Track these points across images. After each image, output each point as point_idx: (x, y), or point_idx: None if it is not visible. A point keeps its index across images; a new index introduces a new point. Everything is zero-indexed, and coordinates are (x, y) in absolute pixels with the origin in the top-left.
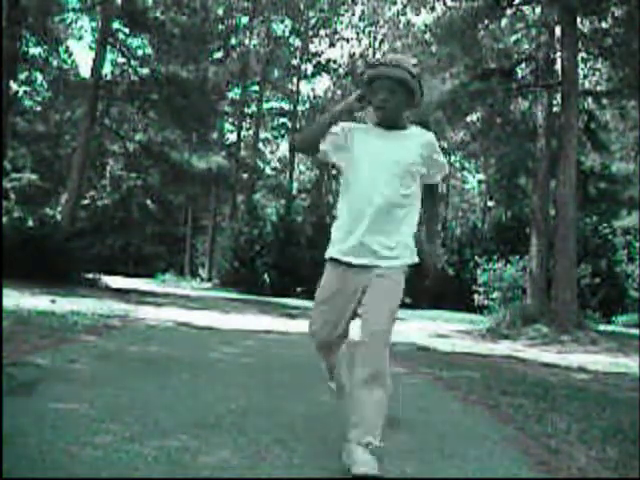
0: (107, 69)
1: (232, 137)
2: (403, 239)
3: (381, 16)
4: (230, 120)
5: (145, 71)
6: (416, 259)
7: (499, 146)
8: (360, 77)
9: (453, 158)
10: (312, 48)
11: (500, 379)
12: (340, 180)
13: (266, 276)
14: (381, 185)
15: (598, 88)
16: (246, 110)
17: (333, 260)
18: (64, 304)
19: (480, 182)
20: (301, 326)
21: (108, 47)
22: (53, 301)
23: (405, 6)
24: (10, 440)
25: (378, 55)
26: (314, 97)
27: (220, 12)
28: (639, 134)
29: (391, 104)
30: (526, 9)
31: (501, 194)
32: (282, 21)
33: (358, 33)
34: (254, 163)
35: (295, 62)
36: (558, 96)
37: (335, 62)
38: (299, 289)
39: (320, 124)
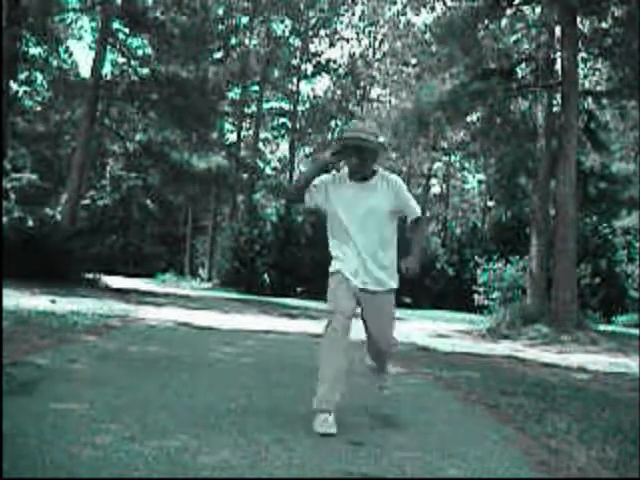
0: (107, 69)
1: (232, 137)
2: (388, 265)
3: (381, 16)
4: (230, 120)
5: (145, 71)
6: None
7: (499, 146)
8: (337, 141)
9: (453, 158)
10: (312, 48)
11: (500, 379)
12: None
13: (266, 276)
14: (358, 232)
15: (598, 88)
16: (246, 110)
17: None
18: (64, 304)
19: (480, 182)
20: (301, 326)
21: (108, 47)
22: (53, 301)
23: (405, 6)
24: (10, 440)
25: (378, 55)
26: (314, 97)
27: (220, 12)
28: (639, 134)
29: (360, 168)
30: (526, 9)
31: (501, 194)
32: (282, 21)
33: (358, 33)
34: (254, 163)
35: (295, 62)
36: (558, 96)
37: (335, 62)
38: (299, 289)
39: (302, 179)
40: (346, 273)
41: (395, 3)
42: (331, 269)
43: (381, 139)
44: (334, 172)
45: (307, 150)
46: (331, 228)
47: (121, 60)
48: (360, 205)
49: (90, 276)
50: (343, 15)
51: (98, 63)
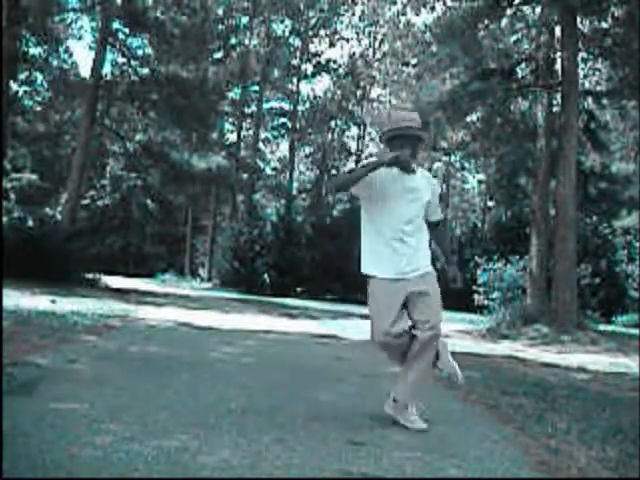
0: (107, 69)
1: (232, 137)
2: (427, 252)
3: (381, 16)
4: (230, 120)
5: (145, 71)
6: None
7: (499, 146)
8: (383, 132)
9: (453, 158)
10: (312, 48)
11: (500, 379)
12: (364, 211)
13: (266, 276)
14: (401, 220)
15: (598, 88)
16: (246, 110)
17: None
18: (64, 304)
19: (480, 182)
20: (301, 326)
21: (108, 47)
22: (53, 301)
23: (405, 6)
24: (10, 440)
25: (378, 55)
26: (314, 97)
27: (220, 12)
28: (639, 134)
29: (413, 157)
30: (526, 9)
31: (501, 194)
32: (282, 21)
33: (358, 33)
34: (254, 163)
35: (295, 62)
36: (558, 96)
37: (335, 62)
38: (299, 289)
39: (355, 177)
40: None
41: (395, 3)
42: (372, 271)
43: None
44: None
45: (307, 150)
46: (372, 219)
47: (121, 60)
48: (407, 197)
49: (90, 276)
50: (343, 15)
51: (98, 63)
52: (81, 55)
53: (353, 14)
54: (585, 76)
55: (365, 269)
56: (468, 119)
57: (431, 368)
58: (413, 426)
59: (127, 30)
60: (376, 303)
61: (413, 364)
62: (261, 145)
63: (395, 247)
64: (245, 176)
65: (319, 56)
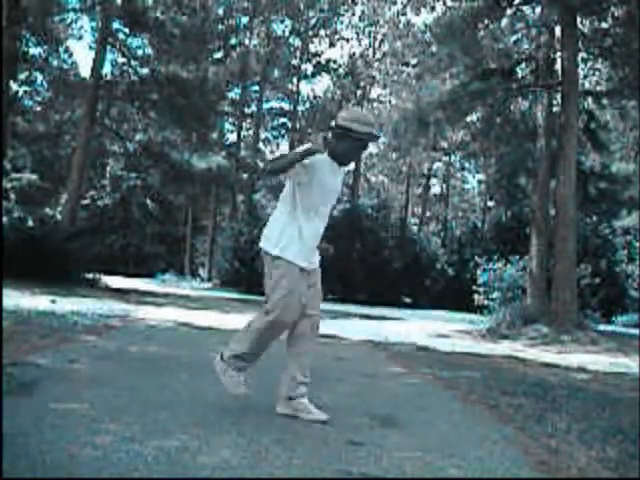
0: (107, 69)
1: (232, 137)
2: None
3: (381, 16)
4: (230, 120)
5: (145, 71)
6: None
7: (499, 146)
8: (335, 126)
9: (453, 158)
10: (312, 48)
11: (500, 379)
12: (290, 193)
13: None
14: (319, 213)
15: (598, 88)
16: (246, 110)
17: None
18: (64, 304)
19: (480, 182)
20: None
21: (108, 47)
22: (53, 301)
23: (405, 6)
24: (10, 440)
25: (378, 55)
26: (314, 97)
27: (220, 12)
28: (639, 134)
29: (357, 160)
30: (526, 9)
31: (501, 194)
32: (282, 21)
33: (358, 33)
34: (254, 163)
35: (295, 62)
36: (558, 96)
37: (335, 62)
38: None
39: (288, 162)
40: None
41: (395, 3)
42: (279, 252)
43: None
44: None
45: None
46: (294, 200)
47: (121, 60)
48: (333, 190)
49: (90, 276)
50: (343, 15)
51: (98, 63)
52: (81, 55)
53: (353, 14)
54: (585, 76)
55: (277, 251)
56: (468, 119)
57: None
58: (314, 417)
59: (127, 30)
60: (289, 284)
61: (305, 347)
62: (261, 145)
63: (306, 236)
64: (245, 176)
65: (319, 56)
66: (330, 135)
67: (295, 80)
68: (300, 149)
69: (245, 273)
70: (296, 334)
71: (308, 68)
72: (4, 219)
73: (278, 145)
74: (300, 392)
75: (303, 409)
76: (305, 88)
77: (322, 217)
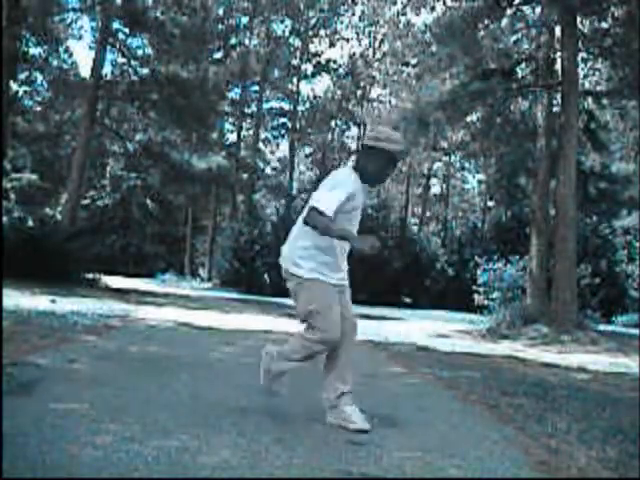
0: (107, 69)
1: (232, 137)
2: None
3: (381, 16)
4: (230, 120)
5: (145, 71)
6: None
7: (499, 146)
8: (366, 147)
9: (453, 158)
10: (312, 48)
11: (500, 379)
12: None
13: (266, 276)
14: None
15: (598, 88)
16: (246, 110)
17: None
18: (64, 304)
19: (480, 182)
20: (301, 326)
21: (108, 47)
22: (53, 301)
23: (405, 6)
24: (10, 440)
25: (378, 55)
26: (314, 97)
27: (220, 12)
28: (639, 134)
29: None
30: (526, 9)
31: (501, 194)
32: (282, 21)
33: (358, 33)
34: (254, 163)
35: (295, 62)
36: (558, 96)
37: (335, 62)
38: None
39: (333, 234)
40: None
41: (395, 3)
42: (311, 274)
43: None
44: (350, 171)
45: (307, 150)
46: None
47: (121, 60)
48: (360, 208)
49: (90, 276)
50: (343, 15)
51: (98, 63)
52: (81, 55)
53: (353, 14)
54: (585, 76)
55: (309, 274)
56: (468, 119)
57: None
58: (357, 427)
59: (127, 30)
60: (325, 300)
61: (344, 353)
62: (261, 145)
63: (338, 254)
64: (245, 176)
65: (319, 56)
66: (359, 155)
67: (295, 80)
68: (355, 240)
69: (245, 273)
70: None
71: (308, 68)
72: (4, 219)
73: (278, 145)
74: (343, 401)
75: (345, 418)
76: (305, 88)
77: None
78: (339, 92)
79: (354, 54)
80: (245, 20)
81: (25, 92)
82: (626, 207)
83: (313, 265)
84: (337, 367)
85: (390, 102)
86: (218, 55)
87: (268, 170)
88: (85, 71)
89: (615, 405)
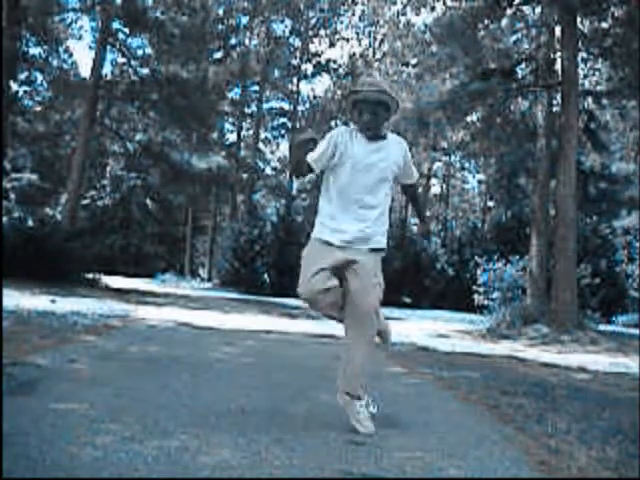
0: (107, 69)
1: (232, 137)
2: (382, 226)
3: (381, 16)
4: (230, 120)
5: (145, 71)
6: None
7: (499, 146)
8: (345, 99)
9: (453, 158)
10: (312, 48)
11: (500, 379)
12: (324, 177)
13: (266, 276)
14: (360, 189)
15: (598, 88)
16: (246, 110)
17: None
18: (64, 304)
19: (480, 182)
20: (301, 326)
21: (108, 47)
22: (53, 301)
23: (405, 6)
24: (10, 440)
25: (378, 55)
26: (314, 97)
27: (220, 12)
28: (639, 134)
29: (374, 124)
30: (526, 9)
31: (501, 194)
32: (282, 21)
33: (358, 33)
34: (254, 163)
35: (295, 62)
36: (558, 96)
37: (335, 62)
38: None
39: (296, 160)
40: (331, 238)
41: (395, 3)
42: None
43: (396, 96)
44: (346, 127)
45: None
46: (328, 185)
47: (121, 60)
48: (371, 164)
49: (90, 276)
50: (343, 15)
51: (98, 63)
52: (81, 55)
53: (353, 14)
54: (585, 76)
55: (313, 234)
56: (468, 119)
57: (373, 345)
58: (357, 426)
59: (127, 30)
60: (308, 256)
61: (352, 344)
62: (261, 145)
63: (342, 213)
64: (245, 176)
65: (319, 56)
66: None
67: (295, 80)
68: (294, 145)
69: (245, 273)
70: (345, 327)
71: (308, 68)
72: (4, 219)
73: (278, 145)
74: (356, 393)
75: (352, 412)
76: (305, 88)
77: (372, 197)
78: (339, 92)
79: (354, 54)
80: (245, 20)
81: (25, 92)
82: (626, 207)
83: (318, 224)
84: (347, 371)
85: None
86: (218, 55)
87: (268, 170)
88: (85, 71)
89: (615, 405)
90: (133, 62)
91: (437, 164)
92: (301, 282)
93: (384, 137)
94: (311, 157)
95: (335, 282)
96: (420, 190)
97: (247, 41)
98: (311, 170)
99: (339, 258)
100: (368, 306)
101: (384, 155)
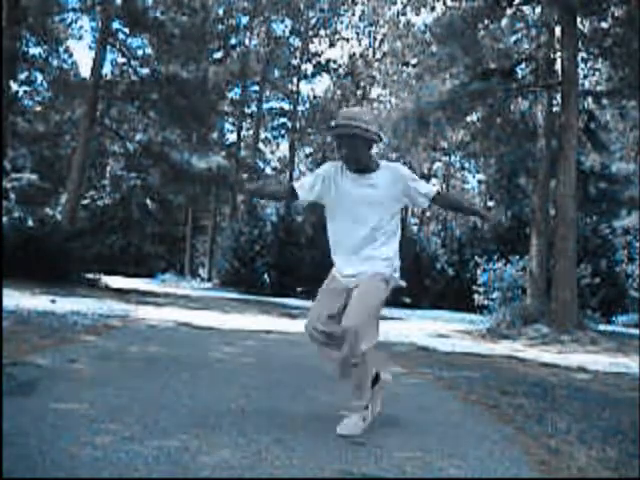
0: (107, 69)
1: (232, 137)
2: (379, 255)
3: (381, 16)
4: (230, 120)
5: (145, 71)
6: (392, 274)
7: (499, 146)
8: (328, 130)
9: (453, 158)
10: (312, 48)
11: (500, 379)
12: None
13: (266, 276)
14: (353, 223)
15: (598, 88)
16: (246, 110)
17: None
18: (64, 304)
19: (480, 182)
20: (301, 326)
21: (108, 47)
22: (53, 301)
23: (405, 6)
24: (10, 440)
25: (378, 55)
26: (314, 97)
27: (220, 12)
28: (639, 134)
29: (353, 158)
30: (526, 9)
31: (501, 194)
32: (282, 21)
33: (358, 33)
34: (254, 163)
35: (295, 62)
36: (558, 96)
37: (335, 62)
38: (299, 289)
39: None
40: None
41: (395, 3)
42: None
43: (373, 127)
44: (334, 163)
45: (307, 150)
46: (330, 218)
47: (121, 60)
48: (357, 198)
49: (90, 276)
50: (343, 15)
51: (98, 63)
52: (81, 55)
53: (353, 14)
54: (585, 76)
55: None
56: (468, 119)
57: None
58: (340, 426)
59: (127, 30)
60: (320, 291)
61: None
62: (261, 145)
63: (349, 255)
64: (245, 176)
65: (319, 56)
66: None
67: (295, 80)
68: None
69: (245, 273)
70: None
71: (308, 68)
72: (4, 219)
73: (278, 145)
74: (352, 405)
75: (345, 417)
76: (305, 88)
77: (369, 230)
78: (339, 92)
79: (354, 54)
80: (245, 20)
81: (25, 92)
82: (626, 207)
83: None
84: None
85: (390, 102)
86: (218, 55)
87: (268, 170)
88: (85, 71)
89: (615, 405)
90: (133, 62)
91: (437, 164)
92: (309, 319)
93: (373, 169)
94: (296, 183)
95: (338, 330)
96: (453, 193)
97: (247, 41)
98: (296, 197)
99: (345, 292)
100: (345, 325)
101: (373, 186)
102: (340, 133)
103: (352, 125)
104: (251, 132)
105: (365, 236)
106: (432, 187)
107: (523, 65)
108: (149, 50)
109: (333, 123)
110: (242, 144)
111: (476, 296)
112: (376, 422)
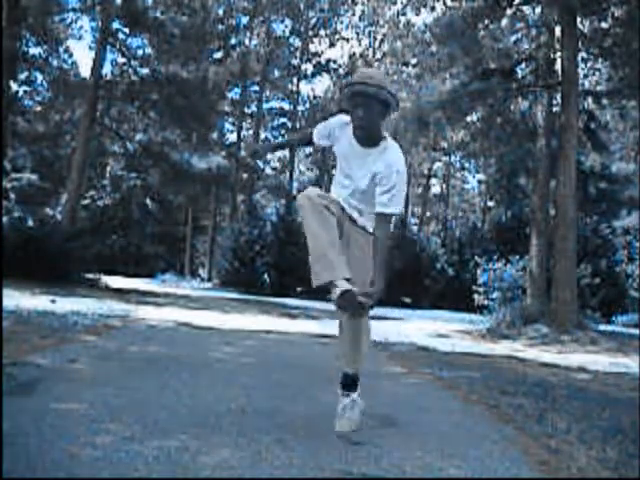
0: (107, 69)
1: (232, 137)
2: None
3: (381, 16)
4: (230, 120)
5: (145, 71)
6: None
7: (499, 146)
8: (341, 94)
9: (453, 158)
10: (312, 48)
11: (500, 379)
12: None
13: (266, 276)
14: (357, 192)
15: (598, 88)
16: (246, 110)
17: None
18: (64, 304)
19: (480, 182)
20: (301, 326)
21: (108, 47)
22: (53, 301)
23: (405, 6)
24: (10, 440)
25: (378, 55)
26: (314, 97)
27: (220, 12)
28: (639, 134)
29: (367, 118)
30: (526, 9)
31: (501, 194)
32: (282, 21)
33: (358, 33)
34: (254, 163)
35: (295, 62)
36: (558, 96)
37: (335, 62)
38: (299, 289)
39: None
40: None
41: (395, 3)
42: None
43: (392, 90)
44: (346, 119)
45: (307, 150)
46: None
47: (121, 60)
48: (360, 170)
49: (90, 276)
50: (343, 15)
51: (98, 63)
52: (81, 55)
53: (353, 14)
54: (585, 76)
55: None
56: (468, 119)
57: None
58: (336, 423)
59: (127, 30)
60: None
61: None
62: None
63: (340, 190)
64: (245, 176)
65: (319, 56)
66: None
67: (295, 80)
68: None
69: (245, 273)
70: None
71: (308, 68)
72: (4, 219)
73: None
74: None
75: (339, 407)
76: (305, 88)
77: (361, 200)
78: (339, 92)
79: (354, 54)
80: (245, 20)
81: (25, 92)
82: (626, 207)
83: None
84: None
85: None
86: (218, 55)
87: (268, 170)
88: (85, 71)
89: (615, 405)
90: (133, 62)
91: (437, 164)
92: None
93: (376, 143)
94: (314, 130)
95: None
96: (382, 240)
97: (247, 41)
98: (311, 141)
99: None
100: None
101: (372, 160)
102: (358, 90)
103: (369, 83)
104: (251, 132)
105: (355, 194)
106: (385, 208)
107: (523, 65)
108: (149, 50)
109: (355, 79)
110: (242, 144)
111: (476, 296)
112: (376, 422)
